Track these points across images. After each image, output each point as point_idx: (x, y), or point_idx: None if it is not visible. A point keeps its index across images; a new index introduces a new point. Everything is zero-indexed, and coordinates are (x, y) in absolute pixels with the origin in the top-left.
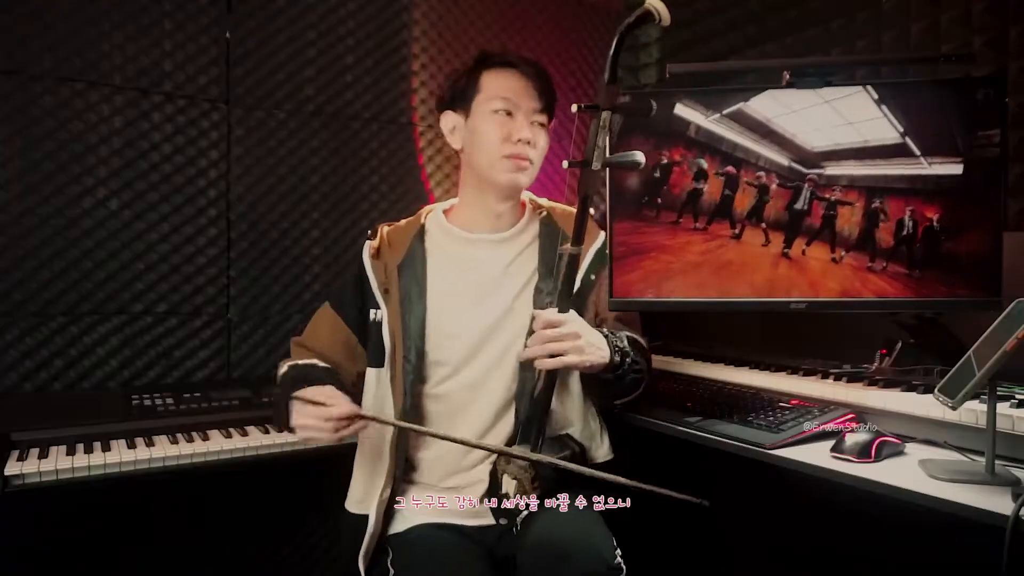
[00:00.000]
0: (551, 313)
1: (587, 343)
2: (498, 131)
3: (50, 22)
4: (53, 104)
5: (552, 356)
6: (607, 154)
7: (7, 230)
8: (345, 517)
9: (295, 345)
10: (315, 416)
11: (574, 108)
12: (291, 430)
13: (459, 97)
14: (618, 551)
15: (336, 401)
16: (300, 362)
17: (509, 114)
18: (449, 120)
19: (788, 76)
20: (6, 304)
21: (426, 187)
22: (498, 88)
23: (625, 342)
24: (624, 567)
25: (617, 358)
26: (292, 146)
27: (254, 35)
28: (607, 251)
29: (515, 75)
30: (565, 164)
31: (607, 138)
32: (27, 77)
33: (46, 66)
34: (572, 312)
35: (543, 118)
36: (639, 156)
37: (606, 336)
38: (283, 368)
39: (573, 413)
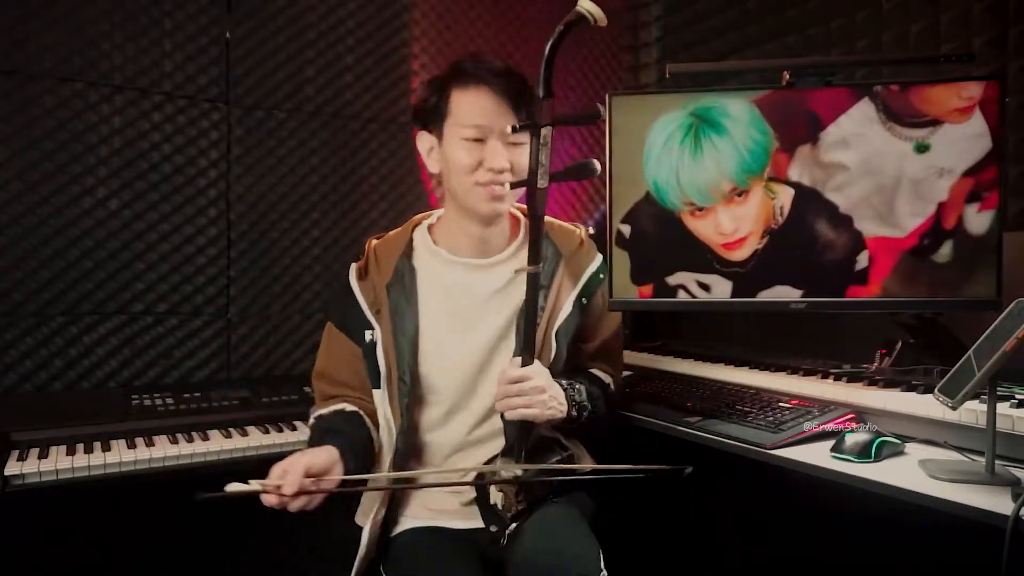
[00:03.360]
0: (516, 369)
1: (550, 397)
2: (470, 159)
3: (50, 22)
4: (53, 104)
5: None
6: (549, 170)
7: (7, 230)
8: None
9: (317, 381)
10: (269, 503)
11: (508, 128)
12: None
13: (430, 117)
14: (602, 563)
15: (285, 479)
16: (324, 412)
17: (482, 140)
18: (425, 141)
19: (788, 76)
20: (6, 304)
21: (427, 187)
22: (468, 112)
23: (584, 395)
24: None
25: (575, 412)
26: (292, 146)
27: (254, 35)
28: (601, 275)
29: (486, 94)
30: (507, 186)
31: (548, 154)
32: (27, 77)
33: (46, 66)
34: (537, 363)
35: (522, 136)
36: (594, 164)
37: (565, 389)
38: (311, 420)
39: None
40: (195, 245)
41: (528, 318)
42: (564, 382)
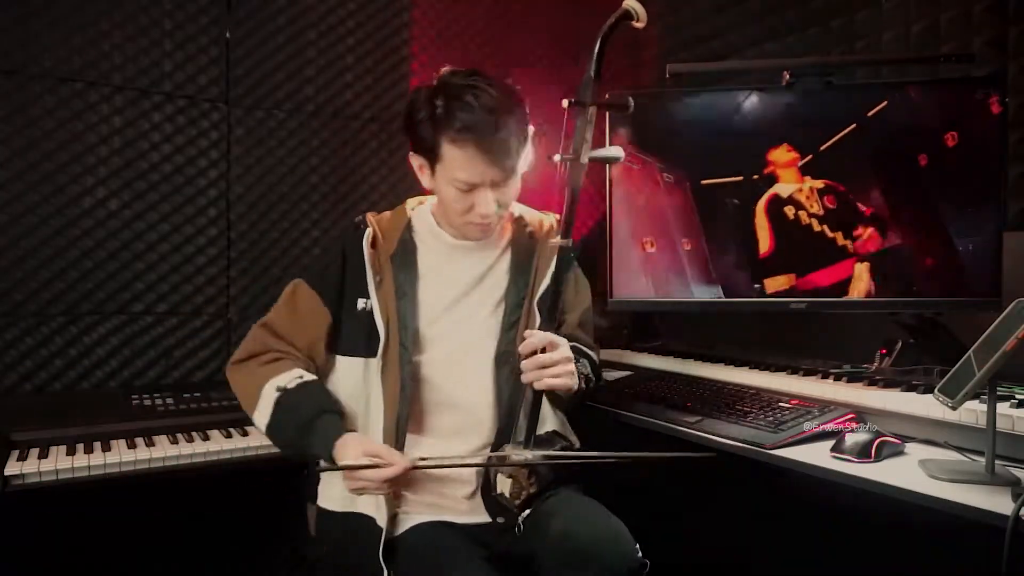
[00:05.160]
0: (545, 335)
1: (573, 367)
2: (460, 204)
3: (50, 22)
4: (53, 104)
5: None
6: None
7: (7, 230)
8: (329, 517)
9: (260, 328)
10: (372, 479)
11: (565, 103)
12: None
13: (421, 147)
14: (638, 546)
15: (391, 458)
16: (289, 386)
17: (472, 188)
18: (416, 160)
19: (788, 76)
20: (6, 304)
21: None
22: (457, 165)
23: (588, 368)
24: (648, 562)
25: (583, 385)
26: (292, 146)
27: (254, 35)
28: (572, 254)
29: (478, 152)
30: (556, 158)
31: (592, 132)
32: (27, 77)
33: (46, 66)
34: (563, 339)
35: (510, 179)
36: (618, 151)
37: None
38: (273, 394)
39: (545, 408)
40: (195, 245)
41: (553, 292)
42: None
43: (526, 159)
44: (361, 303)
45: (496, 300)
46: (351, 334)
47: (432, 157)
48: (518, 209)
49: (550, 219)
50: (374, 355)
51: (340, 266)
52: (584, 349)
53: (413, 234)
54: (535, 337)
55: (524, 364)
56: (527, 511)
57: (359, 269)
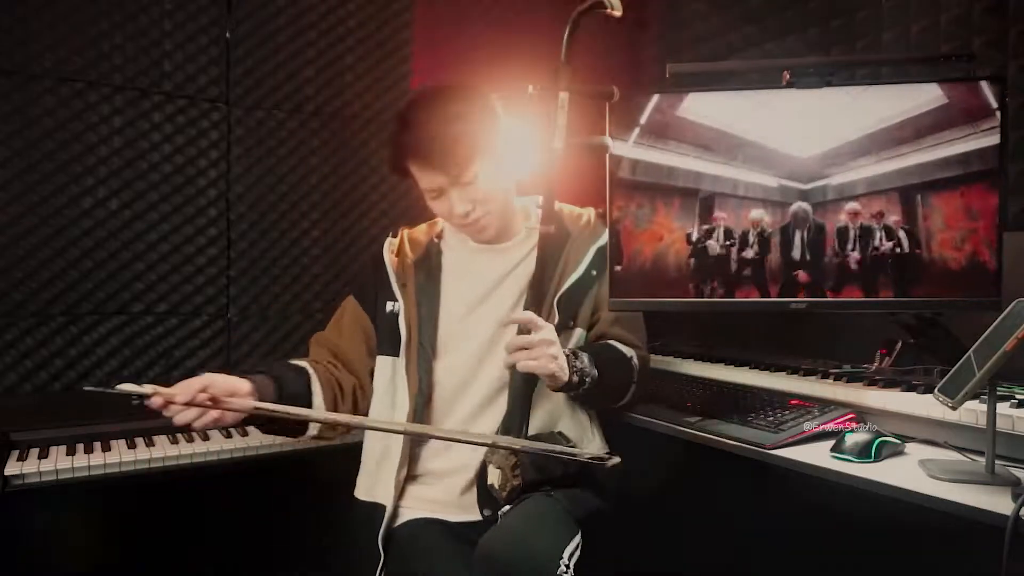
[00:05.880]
0: (531, 314)
1: (557, 352)
2: (441, 209)
3: (50, 22)
4: (53, 104)
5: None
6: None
7: (7, 230)
8: (359, 507)
9: (314, 344)
10: (156, 405)
11: (529, 89)
12: None
13: (399, 172)
14: (566, 560)
15: (180, 388)
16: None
17: (442, 194)
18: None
19: (788, 76)
20: (6, 304)
21: None
22: (420, 178)
23: (587, 362)
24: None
25: (575, 379)
26: (292, 146)
27: (254, 35)
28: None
29: (420, 161)
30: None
31: (564, 117)
32: (27, 77)
33: (46, 66)
34: (548, 324)
35: (470, 175)
36: (606, 140)
37: (568, 356)
38: None
39: (558, 405)
40: (195, 245)
41: (538, 276)
42: (567, 350)
43: (498, 155)
44: (390, 306)
45: (517, 298)
46: (383, 335)
47: (410, 176)
48: (555, 206)
49: (588, 213)
50: (398, 354)
51: (372, 275)
52: (616, 345)
53: (441, 241)
54: (519, 314)
55: (505, 345)
56: (507, 508)
57: (386, 276)
